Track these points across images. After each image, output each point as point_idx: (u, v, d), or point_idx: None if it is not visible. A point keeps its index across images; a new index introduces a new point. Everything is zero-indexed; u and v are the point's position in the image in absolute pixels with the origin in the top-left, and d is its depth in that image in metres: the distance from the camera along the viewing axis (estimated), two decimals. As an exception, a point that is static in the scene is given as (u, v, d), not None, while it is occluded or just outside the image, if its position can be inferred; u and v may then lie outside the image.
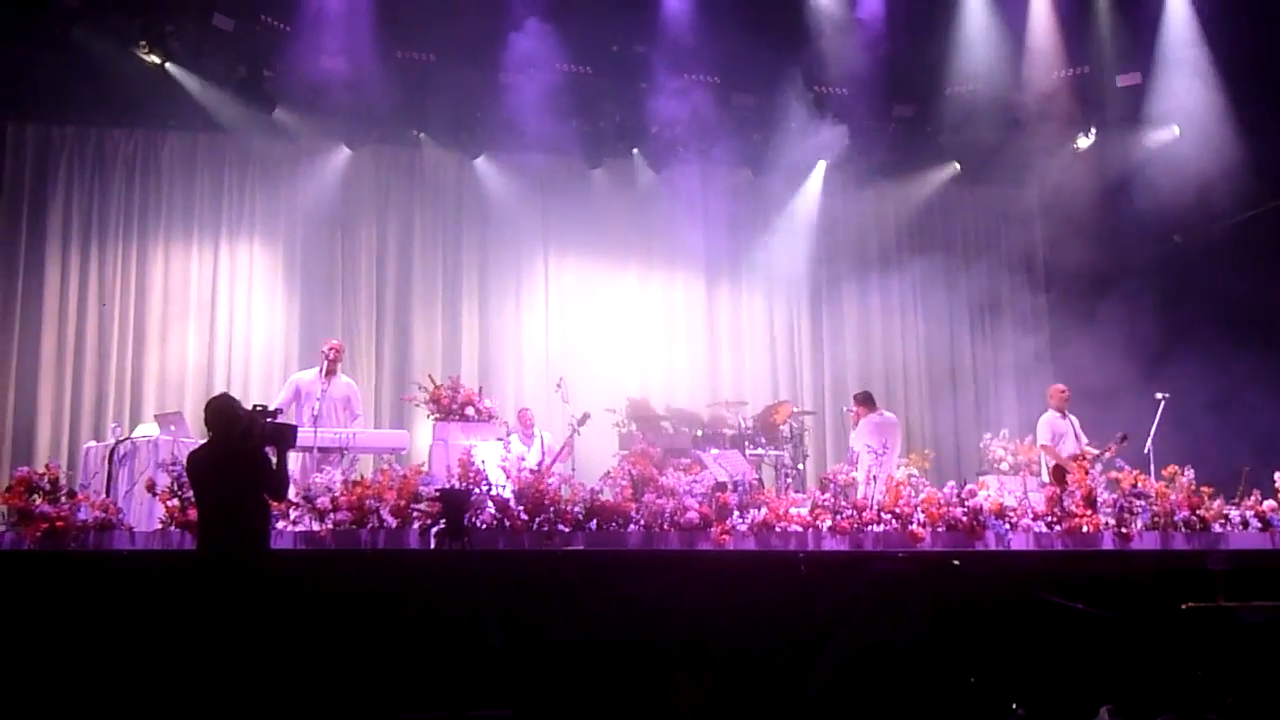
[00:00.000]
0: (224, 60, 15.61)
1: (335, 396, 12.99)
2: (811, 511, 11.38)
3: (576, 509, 10.79)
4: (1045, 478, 14.11)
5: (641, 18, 16.05)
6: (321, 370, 13.03)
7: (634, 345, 18.19)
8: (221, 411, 8.59)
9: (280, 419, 8.93)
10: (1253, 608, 10.34)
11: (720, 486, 11.56)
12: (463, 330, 17.74)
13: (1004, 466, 15.63)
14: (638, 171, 18.22)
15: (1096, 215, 17.75)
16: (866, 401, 14.77)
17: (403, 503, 10.59)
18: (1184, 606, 10.39)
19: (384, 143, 17.46)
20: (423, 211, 17.77)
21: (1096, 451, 13.63)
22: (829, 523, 11.23)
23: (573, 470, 12.61)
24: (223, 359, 16.71)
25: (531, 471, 11.17)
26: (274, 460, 8.58)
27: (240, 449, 8.43)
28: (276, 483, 8.59)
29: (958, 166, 18.98)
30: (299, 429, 9.09)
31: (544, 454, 13.38)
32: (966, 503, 11.59)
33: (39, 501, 10.39)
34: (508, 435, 13.10)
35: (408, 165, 17.64)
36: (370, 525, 10.48)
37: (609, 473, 12.13)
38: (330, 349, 13.24)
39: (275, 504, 9.32)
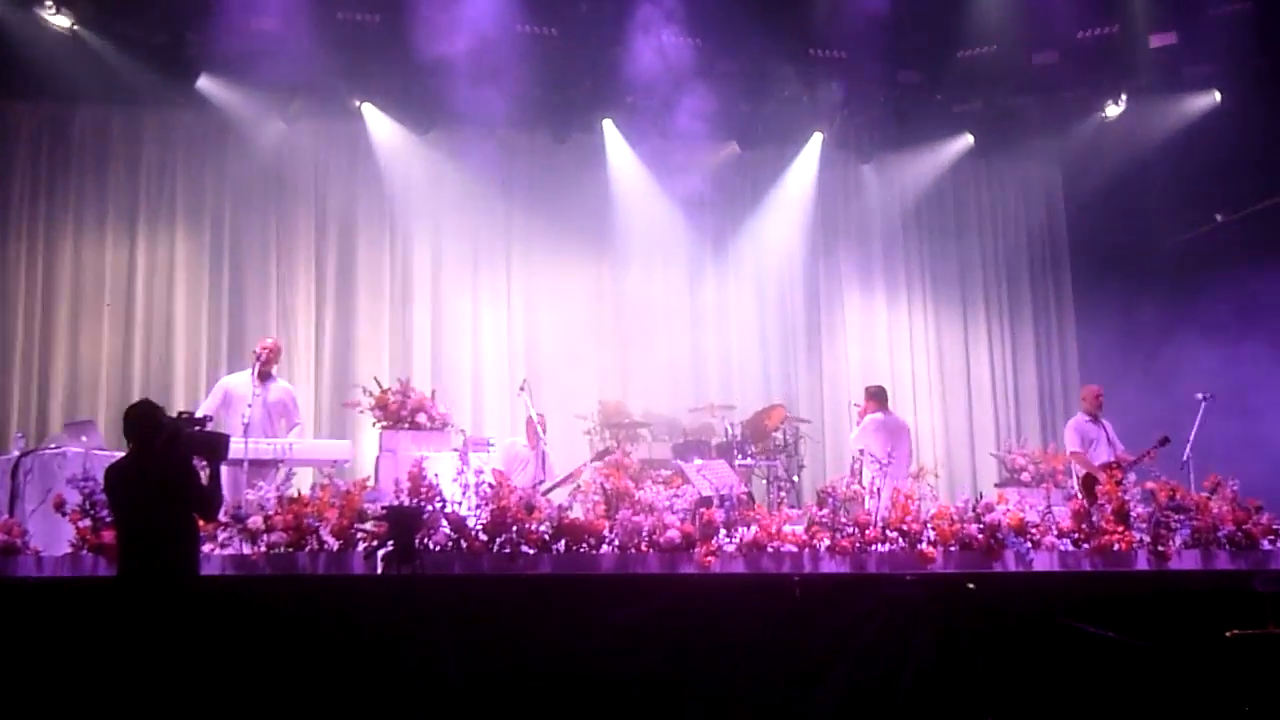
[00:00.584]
0: (141, 23, 15.48)
1: (270, 402, 12.97)
2: (808, 529, 11.35)
3: (542, 528, 10.73)
4: (1074, 489, 14.14)
5: (614, -29, 16.02)
6: (254, 373, 12.99)
7: (607, 342, 18.19)
8: (142, 420, 8.55)
9: (209, 427, 8.90)
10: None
11: (705, 501, 11.53)
12: (414, 327, 17.70)
13: (1025, 477, 15.65)
14: (610, 146, 18.17)
15: (1128, 192, 17.79)
16: (876, 398, 14.66)
17: (345, 522, 10.53)
18: (1229, 634, 10.43)
19: (323, 116, 17.34)
20: (368, 193, 17.70)
21: (1133, 458, 13.63)
22: (827, 542, 11.19)
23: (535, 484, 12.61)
24: (141, 360, 16.64)
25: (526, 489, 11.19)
26: (203, 474, 8.55)
27: (164, 462, 8.40)
28: (206, 500, 8.55)
29: (971, 139, 18.98)
30: (230, 439, 9.05)
31: (545, 473, 13.36)
32: (983, 518, 11.58)
33: (-68, 523, 10.34)
34: (465, 446, 13.02)
35: (350, 141, 17.56)
36: (309, 548, 10.42)
37: (579, 486, 12.12)
38: (263, 349, 13.21)
39: (205, 524, 9.30)
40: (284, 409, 13.13)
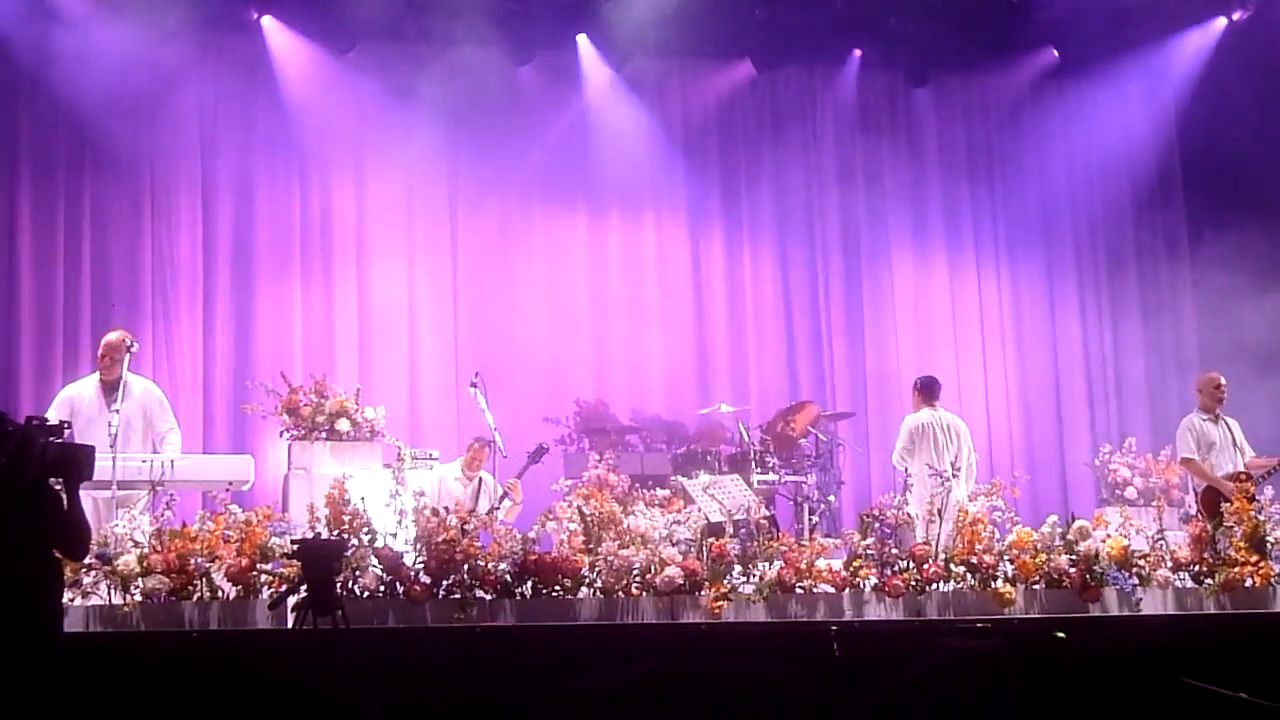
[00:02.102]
0: None
1: (127, 416, 12.54)
2: (848, 564, 11.37)
3: (503, 566, 10.74)
4: (1193, 508, 14.14)
5: None
6: (98, 387, 12.65)
7: (584, 322, 18.23)
8: (-24, 430, 8.51)
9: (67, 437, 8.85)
10: None
11: (714, 529, 11.54)
12: (336, 306, 17.75)
13: (1130, 493, 15.66)
14: (587, 69, 18.21)
15: (1261, 116, 17.78)
16: (923, 391, 14.31)
17: (245, 562, 10.53)
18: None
19: (211, 30, 17.23)
20: (271, 130, 17.67)
21: (1269, 466, 13.61)
22: (874, 580, 11.23)
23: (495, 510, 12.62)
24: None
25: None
26: (64, 499, 8.50)
27: (14, 483, 8.34)
28: (72, 531, 8.47)
29: (1055, 54, 19.00)
30: (95, 452, 8.95)
31: (491, 504, 13.36)
32: (1076, 547, 11.60)
33: None
34: (400, 461, 12.97)
35: (247, 62, 17.49)
36: (198, 596, 10.42)
37: (550, 511, 12.11)
38: (102, 349, 12.80)
39: (70, 564, 9.26)
40: (146, 417, 12.81)
